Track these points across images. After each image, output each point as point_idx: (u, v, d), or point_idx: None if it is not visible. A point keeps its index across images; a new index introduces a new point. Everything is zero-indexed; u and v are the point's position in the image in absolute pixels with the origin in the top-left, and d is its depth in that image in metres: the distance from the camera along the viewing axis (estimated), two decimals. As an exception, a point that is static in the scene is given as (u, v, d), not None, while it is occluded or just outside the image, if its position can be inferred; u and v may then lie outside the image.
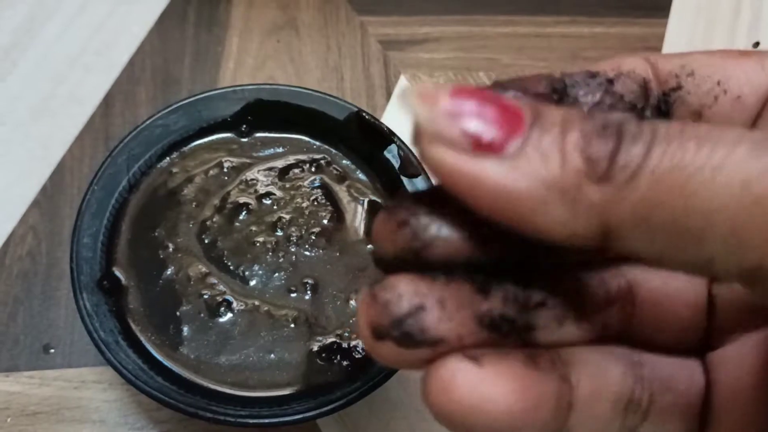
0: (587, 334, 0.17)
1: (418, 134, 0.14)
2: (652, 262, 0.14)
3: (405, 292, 0.15)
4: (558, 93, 0.17)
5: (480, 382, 0.15)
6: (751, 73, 0.18)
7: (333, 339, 0.30)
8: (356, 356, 0.30)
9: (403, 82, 0.43)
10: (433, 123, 0.14)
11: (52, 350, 0.34)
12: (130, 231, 0.32)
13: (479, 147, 0.13)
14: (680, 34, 0.46)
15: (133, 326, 0.30)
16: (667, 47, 0.45)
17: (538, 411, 0.15)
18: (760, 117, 0.18)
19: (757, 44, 0.46)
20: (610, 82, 0.17)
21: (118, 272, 0.31)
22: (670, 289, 0.19)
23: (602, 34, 0.46)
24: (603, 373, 0.17)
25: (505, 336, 0.16)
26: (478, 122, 0.14)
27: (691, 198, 0.13)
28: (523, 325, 0.16)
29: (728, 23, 0.47)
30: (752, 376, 0.17)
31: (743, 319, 0.18)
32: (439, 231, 0.15)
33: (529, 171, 0.13)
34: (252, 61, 0.43)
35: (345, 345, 0.30)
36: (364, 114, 0.33)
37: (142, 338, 0.29)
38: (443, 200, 0.15)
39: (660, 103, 0.18)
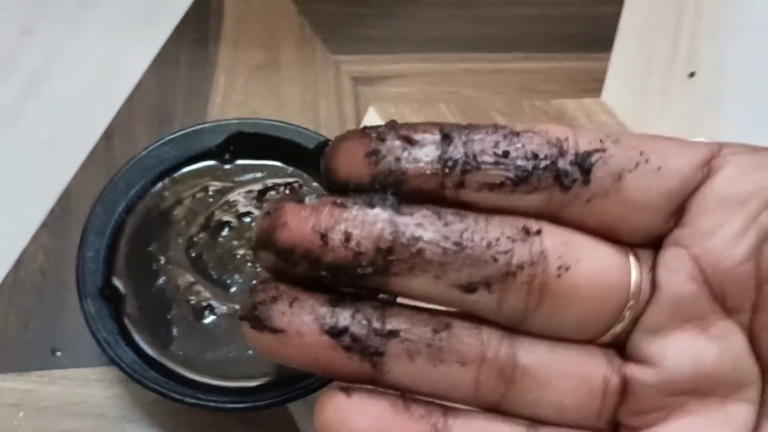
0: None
1: None
2: None
3: (269, 288, 0.17)
4: (449, 138, 0.18)
5: (344, 411, 0.17)
6: (676, 149, 0.18)
7: (303, 338, 0.35)
8: (323, 352, 0.34)
9: (371, 113, 0.48)
10: None
11: (59, 353, 0.38)
12: (128, 247, 0.36)
13: None
14: (623, 65, 0.51)
15: (130, 328, 0.34)
16: (611, 78, 0.50)
17: None
18: (689, 204, 0.18)
19: (692, 74, 0.50)
20: (516, 134, 0.18)
21: (117, 282, 0.35)
22: (595, 266, 0.18)
23: (554, 68, 0.51)
24: (485, 429, 0.18)
25: (348, 350, 0.17)
26: None
27: None
28: (370, 350, 0.17)
29: (667, 55, 0.51)
30: None
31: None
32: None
33: None
34: (237, 96, 0.48)
35: (314, 343, 0.35)
36: (330, 142, 0.38)
37: (137, 338, 0.34)
38: None
39: (578, 161, 0.18)
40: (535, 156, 0.18)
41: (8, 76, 0.47)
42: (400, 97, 0.48)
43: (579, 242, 0.18)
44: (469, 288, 0.17)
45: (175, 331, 0.34)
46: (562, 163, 0.18)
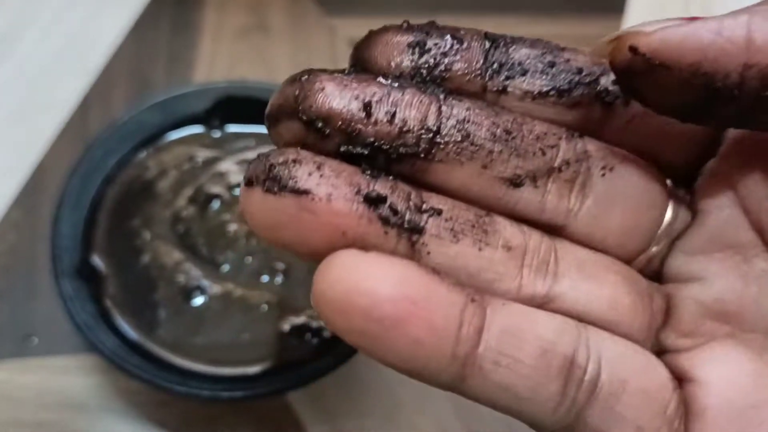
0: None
1: None
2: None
3: (289, 151, 0.15)
4: (495, 43, 0.17)
5: (363, 264, 0.14)
6: None
7: (303, 319, 0.32)
8: (325, 335, 0.31)
9: (370, 79, 0.45)
10: None
11: (34, 339, 0.35)
12: (108, 221, 0.33)
13: None
14: (634, 30, 0.48)
15: (111, 310, 0.31)
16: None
17: (431, 317, 0.14)
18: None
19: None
20: (561, 50, 0.18)
21: (96, 260, 0.32)
22: (634, 178, 0.18)
23: (563, 33, 0.48)
24: (528, 316, 0.16)
25: (386, 222, 0.15)
26: None
27: None
28: (410, 224, 0.15)
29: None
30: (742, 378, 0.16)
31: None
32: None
33: None
34: (224, 62, 0.45)
35: (315, 324, 0.32)
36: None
37: (120, 321, 0.31)
38: None
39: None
40: (580, 70, 0.17)
41: (-27, 40, 0.44)
42: (400, 62, 0.45)
43: (622, 152, 0.18)
44: (515, 181, 0.17)
45: (161, 313, 0.31)
46: (605, 81, 0.17)
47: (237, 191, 0.34)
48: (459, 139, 0.16)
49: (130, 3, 0.46)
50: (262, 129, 0.36)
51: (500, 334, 0.15)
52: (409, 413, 0.34)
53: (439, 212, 0.16)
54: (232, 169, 0.35)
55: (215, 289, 0.32)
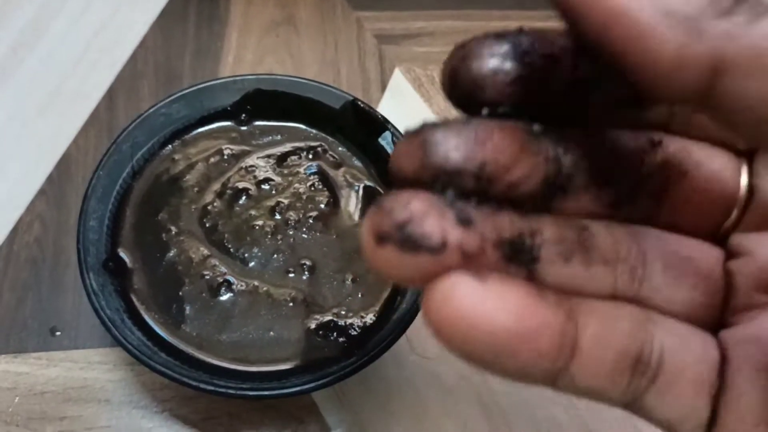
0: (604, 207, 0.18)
1: None
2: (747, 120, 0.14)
3: (409, 200, 0.15)
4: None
5: (480, 297, 0.15)
6: None
7: (330, 317, 0.31)
8: (352, 333, 0.31)
9: (398, 75, 0.44)
10: None
11: (59, 333, 0.35)
12: (135, 215, 0.33)
13: None
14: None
15: (137, 305, 0.31)
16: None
17: (540, 340, 0.15)
18: None
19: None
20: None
21: (123, 254, 0.32)
22: (709, 171, 0.18)
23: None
24: (612, 323, 0.17)
25: (509, 259, 0.16)
26: None
27: None
28: (527, 255, 0.16)
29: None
30: None
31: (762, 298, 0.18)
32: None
33: None
34: (251, 56, 0.44)
35: (341, 323, 0.31)
36: (359, 102, 0.35)
37: (146, 317, 0.31)
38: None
39: None
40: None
41: None
42: (429, 58, 0.45)
43: (696, 149, 0.18)
44: (616, 204, 0.18)
45: (187, 309, 0.31)
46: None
47: (264, 186, 0.34)
48: (580, 181, 0.17)
49: (157, -5, 0.46)
50: (289, 123, 0.36)
51: (589, 345, 0.16)
52: (436, 415, 0.33)
53: (548, 238, 0.16)
54: (259, 164, 0.34)
55: (241, 285, 0.31)
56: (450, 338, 0.15)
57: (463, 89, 0.16)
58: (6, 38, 0.44)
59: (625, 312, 0.17)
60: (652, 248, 0.18)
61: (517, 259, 0.16)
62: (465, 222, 0.15)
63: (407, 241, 0.15)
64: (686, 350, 0.17)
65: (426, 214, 0.15)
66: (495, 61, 0.16)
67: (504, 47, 0.16)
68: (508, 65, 0.16)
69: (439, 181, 0.15)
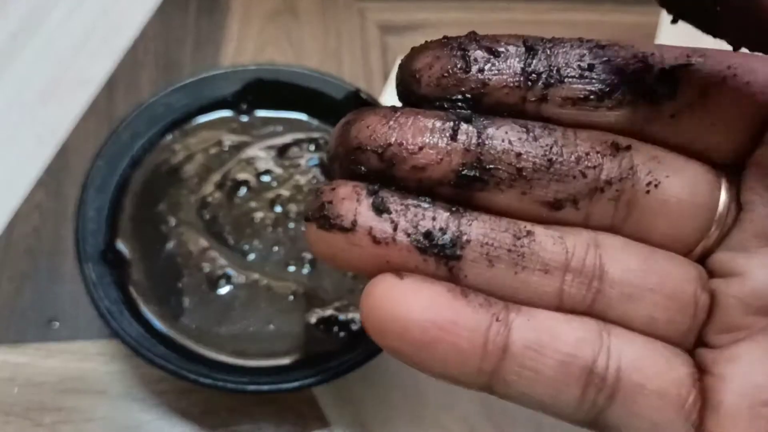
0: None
1: None
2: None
3: (338, 186, 0.17)
4: (533, 51, 0.17)
5: (397, 292, 0.16)
6: (765, 64, 0.17)
7: (331, 311, 0.31)
8: (353, 328, 0.31)
9: (400, 66, 0.43)
10: None
11: (57, 324, 0.34)
12: (133, 206, 0.32)
13: None
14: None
15: (135, 297, 0.30)
16: (662, 36, 0.46)
17: (457, 336, 0.16)
18: None
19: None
20: (601, 48, 0.18)
21: (121, 245, 0.31)
22: (680, 183, 0.18)
23: (597, 22, 0.47)
24: (551, 331, 0.17)
25: (424, 252, 0.16)
26: None
27: None
28: (447, 253, 0.16)
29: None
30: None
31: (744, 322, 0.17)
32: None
33: None
34: (252, 45, 0.44)
35: (342, 317, 0.31)
36: (361, 93, 0.34)
37: (144, 309, 0.30)
38: None
39: (664, 75, 0.18)
40: (621, 70, 0.18)
41: None
42: (432, 49, 0.44)
43: (668, 159, 0.18)
44: (556, 205, 0.17)
45: (186, 301, 0.31)
46: (648, 77, 0.18)
47: (264, 178, 0.34)
48: (496, 170, 0.17)
49: (157, -17, 0.46)
50: (290, 114, 0.35)
51: (523, 349, 0.16)
52: (436, 410, 0.33)
53: (475, 238, 0.17)
54: (260, 155, 0.34)
55: (241, 278, 0.31)
56: (373, 332, 0.16)
57: (404, 82, 0.17)
58: (6, 26, 0.43)
59: (574, 323, 0.17)
60: (613, 261, 0.18)
61: (432, 252, 0.16)
62: (379, 208, 0.16)
63: (324, 219, 0.16)
64: (648, 363, 0.17)
65: (345, 199, 0.16)
66: (429, 59, 0.17)
67: (447, 48, 0.17)
68: (445, 63, 0.17)
69: (352, 160, 0.17)
